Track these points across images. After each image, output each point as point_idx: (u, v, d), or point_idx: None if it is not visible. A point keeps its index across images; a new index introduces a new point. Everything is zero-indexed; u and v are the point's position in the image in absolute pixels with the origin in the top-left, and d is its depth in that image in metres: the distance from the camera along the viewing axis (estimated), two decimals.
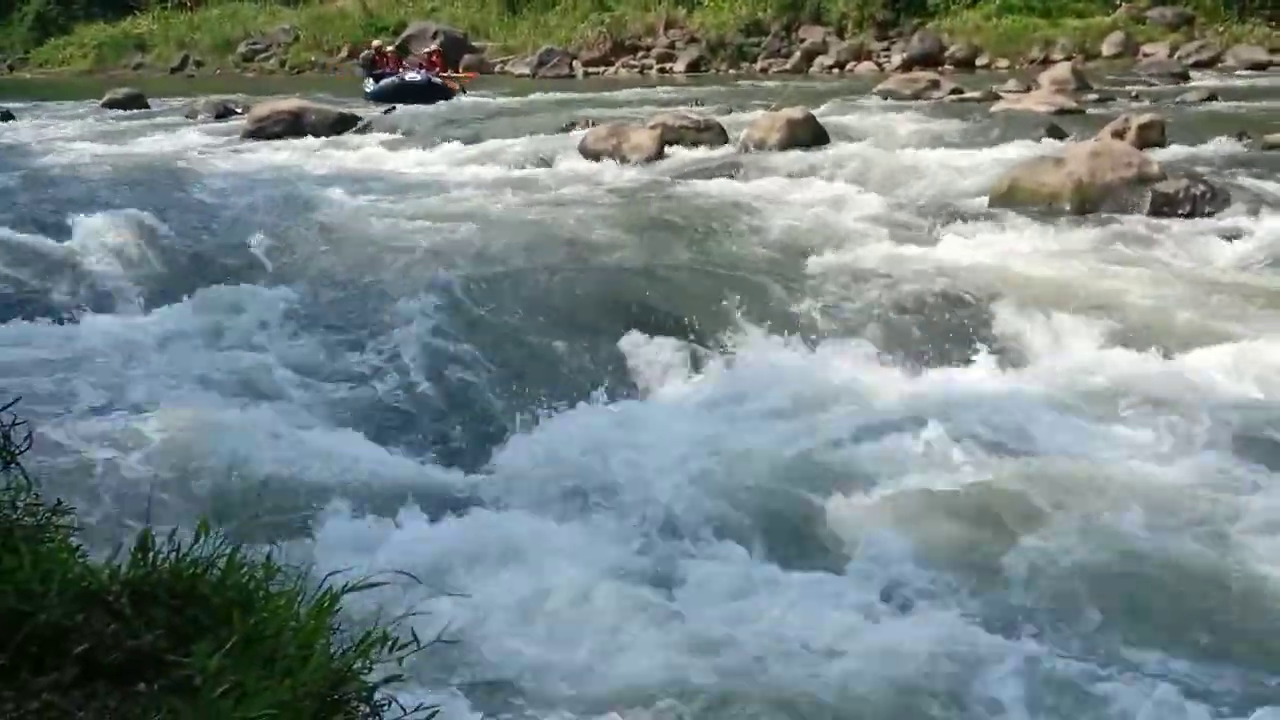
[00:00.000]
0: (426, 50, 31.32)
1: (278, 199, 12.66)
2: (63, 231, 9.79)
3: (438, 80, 27.15)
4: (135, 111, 26.20)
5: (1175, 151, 13.25)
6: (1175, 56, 28.75)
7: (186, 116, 24.26)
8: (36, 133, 21.56)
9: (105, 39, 51.46)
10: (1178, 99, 19.77)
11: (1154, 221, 10.15)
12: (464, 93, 27.09)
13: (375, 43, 31.39)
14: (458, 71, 31.68)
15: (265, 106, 20.58)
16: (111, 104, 27.11)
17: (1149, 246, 9.38)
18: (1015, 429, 6.05)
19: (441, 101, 25.02)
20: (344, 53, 43.26)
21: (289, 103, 20.62)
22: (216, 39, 48.19)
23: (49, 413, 5.94)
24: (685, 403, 6.85)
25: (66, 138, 20.57)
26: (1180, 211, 10.35)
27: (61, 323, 8.05)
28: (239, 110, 23.70)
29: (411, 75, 26.87)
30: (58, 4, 54.92)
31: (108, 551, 2.32)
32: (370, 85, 27.11)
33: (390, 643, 2.18)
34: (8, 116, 24.35)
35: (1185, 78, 25.06)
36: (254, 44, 47.06)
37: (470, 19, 43.45)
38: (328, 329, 7.81)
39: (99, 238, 9.69)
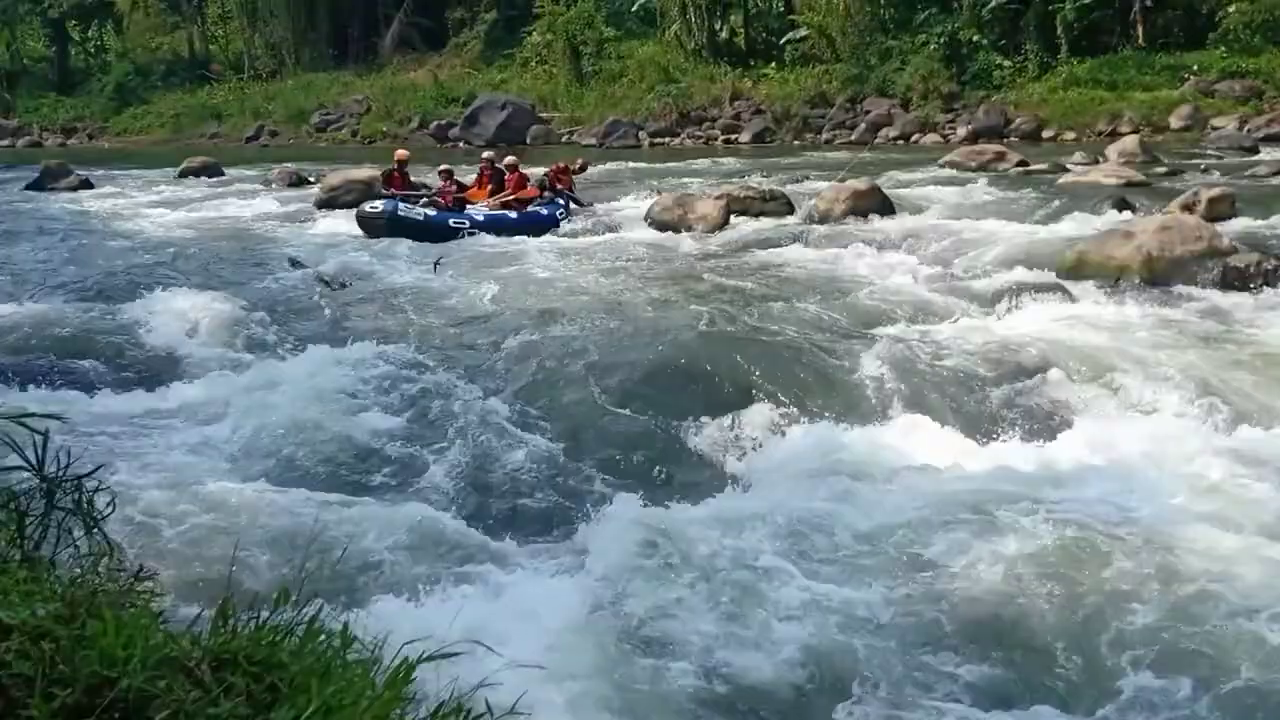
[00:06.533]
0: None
1: (348, 268, 12.87)
2: (140, 299, 9.98)
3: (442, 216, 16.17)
4: (211, 179, 26.73)
5: (1246, 225, 13.13)
6: (1245, 129, 28.53)
7: (261, 185, 24.71)
8: (115, 200, 22.06)
9: (182, 109, 52.76)
10: (1248, 172, 19.60)
11: (1225, 295, 10.06)
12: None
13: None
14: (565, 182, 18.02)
15: (338, 175, 20.91)
16: (188, 172, 27.67)
17: (1221, 320, 9.27)
18: (1090, 501, 5.95)
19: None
20: (414, 123, 43.97)
21: (361, 172, 20.87)
22: (290, 109, 49.23)
23: (131, 479, 6.02)
24: (757, 475, 6.82)
25: (145, 205, 21.08)
26: (1251, 286, 10.24)
27: (139, 390, 8.18)
28: (312, 179, 24.14)
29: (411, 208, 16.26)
30: (137, 75, 56.55)
31: (188, 618, 2.35)
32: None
33: (464, 713, 2.19)
34: (87, 185, 24.94)
35: (1255, 151, 24.86)
36: (327, 114, 48.00)
37: (538, 90, 44.05)
38: (403, 398, 7.88)
39: (175, 305, 9.88)
